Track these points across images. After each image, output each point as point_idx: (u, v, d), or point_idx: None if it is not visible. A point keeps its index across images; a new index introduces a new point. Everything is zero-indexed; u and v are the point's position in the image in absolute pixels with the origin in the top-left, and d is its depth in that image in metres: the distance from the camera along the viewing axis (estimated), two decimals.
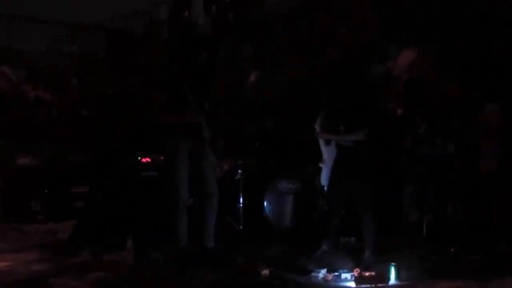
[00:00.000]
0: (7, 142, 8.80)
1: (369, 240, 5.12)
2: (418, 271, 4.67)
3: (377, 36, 7.84)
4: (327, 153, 5.91)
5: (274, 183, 6.47)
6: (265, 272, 4.51)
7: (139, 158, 5.96)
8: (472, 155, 5.86)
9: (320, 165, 6.16)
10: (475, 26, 6.83)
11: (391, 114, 6.75)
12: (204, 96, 4.90)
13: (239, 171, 6.55)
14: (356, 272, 4.46)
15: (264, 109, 7.72)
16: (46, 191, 7.99)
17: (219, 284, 4.33)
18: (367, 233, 5.14)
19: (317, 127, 5.85)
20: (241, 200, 6.46)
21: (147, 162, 5.92)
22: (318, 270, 4.68)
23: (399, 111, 6.60)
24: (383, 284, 4.39)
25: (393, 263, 4.51)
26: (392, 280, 4.45)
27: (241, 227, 6.41)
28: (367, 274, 4.44)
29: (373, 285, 4.37)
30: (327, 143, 5.68)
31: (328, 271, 4.66)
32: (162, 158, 5.84)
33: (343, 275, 4.57)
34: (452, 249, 5.23)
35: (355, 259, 4.93)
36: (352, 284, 4.45)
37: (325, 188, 5.92)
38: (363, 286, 4.39)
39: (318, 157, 6.22)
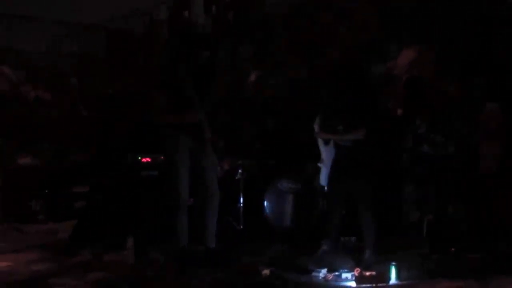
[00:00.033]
0: (7, 142, 8.80)
1: (369, 239, 5.12)
2: (418, 270, 4.67)
3: (377, 36, 7.84)
4: (326, 153, 5.91)
5: (274, 183, 6.47)
6: (266, 271, 4.51)
7: (139, 158, 5.96)
8: (472, 155, 5.86)
9: (319, 165, 6.16)
10: (475, 26, 6.83)
11: (391, 114, 6.75)
12: (204, 96, 4.89)
13: (239, 171, 6.55)
14: (356, 272, 4.46)
15: (264, 109, 7.72)
16: (46, 191, 7.99)
17: (219, 284, 4.33)
18: (367, 232, 5.14)
19: (316, 127, 5.84)
20: (241, 200, 6.46)
21: (147, 162, 5.92)
22: (319, 269, 4.68)
23: (399, 111, 6.60)
24: (384, 284, 4.39)
25: (393, 263, 4.51)
26: (393, 279, 4.45)
27: (241, 227, 6.40)
28: (367, 273, 4.44)
29: (373, 285, 4.37)
30: (326, 143, 5.68)
31: (329, 271, 4.66)
32: (162, 158, 5.85)
33: (344, 275, 4.57)
34: (452, 249, 5.23)
35: (356, 259, 4.92)
36: (353, 283, 4.45)
37: (325, 188, 5.92)
38: (364, 285, 4.39)
39: (318, 157, 6.22)
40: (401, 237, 5.73)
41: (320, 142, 5.98)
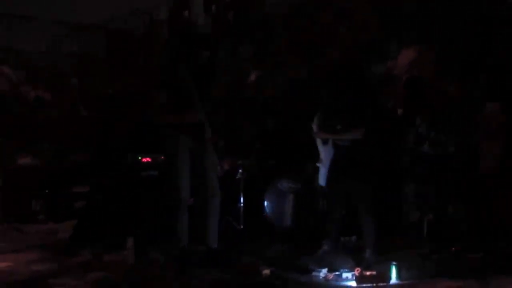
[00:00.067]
0: (7, 142, 8.80)
1: (369, 239, 5.12)
2: (418, 270, 4.66)
3: (377, 36, 7.84)
4: (325, 153, 5.90)
5: (274, 182, 6.47)
6: (266, 271, 4.51)
7: (140, 158, 5.96)
8: (472, 155, 5.86)
9: (318, 165, 6.15)
10: (475, 26, 6.83)
11: (391, 113, 6.75)
12: (204, 96, 4.89)
13: (240, 170, 6.56)
14: (357, 272, 4.46)
15: (264, 109, 7.72)
16: (46, 191, 7.99)
17: (219, 284, 4.33)
18: (367, 232, 5.14)
19: (314, 127, 5.84)
20: (241, 199, 6.47)
21: (147, 162, 5.92)
22: (319, 269, 4.67)
23: (399, 111, 6.60)
24: (384, 284, 4.39)
25: (394, 263, 4.50)
26: (393, 279, 4.44)
27: (241, 227, 6.41)
28: (368, 273, 4.44)
29: (374, 285, 4.37)
30: (325, 142, 5.67)
31: (329, 271, 4.65)
32: (162, 158, 5.85)
33: (344, 275, 4.57)
34: (452, 249, 5.23)
35: (356, 259, 4.92)
36: (353, 283, 4.45)
37: (323, 188, 5.91)
38: (364, 285, 4.39)
39: (318, 157, 6.22)
40: (401, 237, 5.73)
41: (319, 142, 5.98)
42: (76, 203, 7.44)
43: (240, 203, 6.46)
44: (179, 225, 4.85)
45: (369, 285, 4.38)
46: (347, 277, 4.55)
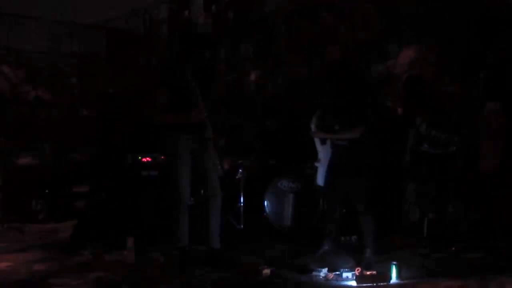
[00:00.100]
0: (8, 142, 8.79)
1: (369, 239, 5.11)
2: (419, 270, 4.67)
3: (377, 35, 7.84)
4: (323, 153, 5.90)
5: (274, 182, 6.47)
6: (266, 271, 4.51)
7: (140, 157, 5.96)
8: (473, 154, 5.86)
9: (316, 164, 6.15)
10: (476, 25, 6.83)
11: (391, 113, 6.75)
12: (206, 96, 4.89)
13: (240, 170, 6.56)
14: (357, 271, 4.46)
15: (265, 109, 7.73)
16: (47, 190, 7.99)
17: (219, 284, 4.33)
18: (366, 231, 5.13)
19: (313, 126, 5.85)
20: (241, 199, 6.47)
21: (147, 161, 5.93)
22: (319, 269, 4.67)
23: (399, 110, 6.60)
24: (384, 283, 4.39)
25: (394, 262, 4.50)
26: (393, 279, 4.44)
27: (241, 227, 6.41)
28: (368, 273, 4.44)
29: (374, 284, 4.37)
30: (323, 142, 5.67)
31: (329, 270, 4.65)
32: (162, 157, 5.85)
33: (345, 274, 4.56)
34: (453, 248, 5.24)
35: (356, 258, 4.92)
36: (354, 283, 4.45)
37: (322, 187, 5.91)
38: (365, 285, 4.39)
39: (317, 156, 6.22)
40: (402, 236, 5.73)
41: (317, 142, 5.98)
42: (76, 203, 7.44)
43: (240, 203, 6.46)
44: (180, 225, 4.84)
45: (369, 284, 4.38)
46: (347, 277, 4.54)
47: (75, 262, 5.13)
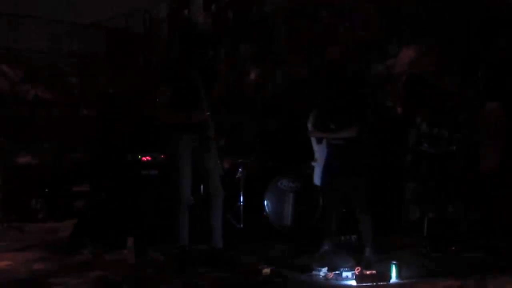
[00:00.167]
0: (7, 141, 8.79)
1: (368, 238, 5.10)
2: (419, 269, 4.67)
3: (377, 35, 7.83)
4: (319, 152, 5.90)
5: (274, 181, 6.47)
6: (266, 270, 4.51)
7: (140, 156, 5.96)
8: (473, 154, 5.86)
9: (313, 164, 6.15)
10: (476, 25, 6.83)
11: (391, 112, 6.75)
12: (208, 95, 4.88)
13: (240, 169, 6.56)
14: (357, 271, 4.46)
15: (265, 108, 7.72)
16: (47, 190, 7.99)
17: (219, 283, 4.33)
18: (364, 231, 5.13)
19: (309, 126, 5.85)
20: (241, 198, 6.47)
21: (147, 160, 5.92)
22: (319, 268, 4.68)
23: (399, 110, 6.60)
24: (384, 283, 4.39)
25: (394, 262, 4.51)
26: (393, 278, 4.45)
27: (241, 226, 6.41)
28: (368, 272, 4.44)
29: (374, 284, 4.37)
30: (319, 142, 5.68)
31: (329, 270, 4.65)
32: (162, 156, 5.85)
33: (344, 274, 4.57)
34: (453, 248, 5.24)
35: (356, 258, 4.92)
36: (353, 282, 4.45)
37: (319, 187, 5.91)
38: (364, 284, 4.39)
39: (314, 156, 6.22)
40: (402, 236, 5.74)
41: (313, 141, 5.98)
42: (76, 202, 7.44)
43: (240, 202, 6.46)
44: (180, 224, 4.84)
45: (369, 284, 4.39)
46: (347, 276, 4.55)
47: (75, 262, 5.13)
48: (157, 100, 4.87)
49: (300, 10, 8.78)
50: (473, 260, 4.96)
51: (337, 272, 4.62)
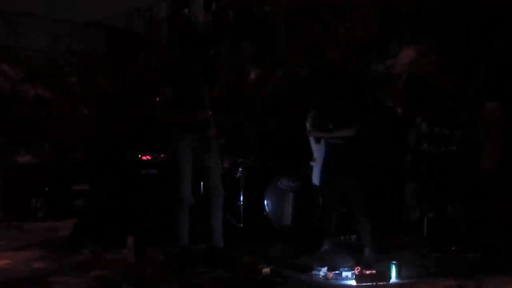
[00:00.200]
0: (7, 140, 8.78)
1: (367, 238, 5.11)
2: (419, 269, 4.68)
3: (377, 35, 7.83)
4: (318, 152, 5.91)
5: (274, 181, 6.47)
6: (266, 270, 4.51)
7: (140, 156, 5.96)
8: (473, 154, 5.86)
9: (311, 163, 6.16)
10: (476, 25, 6.83)
11: (391, 112, 6.75)
12: (210, 94, 4.88)
13: (240, 169, 6.56)
14: (357, 270, 4.46)
15: (265, 108, 7.72)
16: (46, 189, 7.99)
17: (219, 282, 4.33)
18: (364, 230, 5.13)
19: (308, 125, 5.85)
20: (241, 198, 6.47)
21: (147, 160, 5.92)
22: (319, 268, 4.68)
23: (399, 110, 6.60)
24: (384, 282, 4.39)
25: (394, 261, 4.51)
26: (393, 278, 4.45)
27: (241, 225, 6.41)
28: (368, 272, 4.45)
29: (374, 283, 4.38)
30: (317, 141, 5.68)
31: (329, 269, 4.66)
32: (162, 155, 5.85)
33: (344, 273, 4.57)
34: (452, 248, 5.24)
35: (356, 258, 4.93)
36: (353, 282, 4.45)
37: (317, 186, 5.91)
38: (364, 284, 4.39)
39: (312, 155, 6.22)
40: (402, 236, 5.74)
41: (312, 141, 5.98)
42: (76, 201, 7.44)
43: (240, 202, 6.46)
44: (181, 224, 4.84)
45: (369, 284, 4.39)
46: (347, 276, 4.56)
47: (75, 261, 5.12)
48: (158, 99, 4.87)
49: (300, 10, 8.78)
50: (473, 260, 4.97)
51: (337, 271, 4.62)
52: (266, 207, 6.41)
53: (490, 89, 6.40)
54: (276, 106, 7.81)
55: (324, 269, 4.66)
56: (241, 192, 6.48)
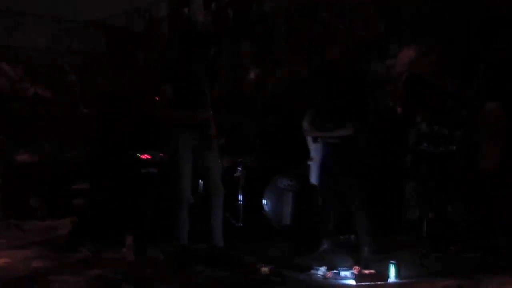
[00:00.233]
0: (7, 139, 8.78)
1: (365, 237, 5.10)
2: (418, 269, 4.67)
3: (377, 35, 7.83)
4: (315, 151, 5.91)
5: (274, 180, 6.47)
6: (265, 269, 4.51)
7: (139, 155, 5.96)
8: (473, 154, 5.86)
9: (309, 163, 6.15)
10: (476, 25, 6.83)
11: (391, 112, 6.74)
12: (209, 94, 4.88)
13: (239, 168, 6.56)
14: (356, 270, 4.46)
15: (265, 108, 7.72)
16: (46, 188, 7.99)
17: (219, 282, 4.33)
18: (361, 230, 5.13)
19: (305, 125, 5.85)
20: (240, 197, 6.46)
21: (147, 159, 5.92)
22: (318, 267, 4.68)
23: (399, 110, 6.60)
24: (383, 282, 4.39)
25: (393, 261, 4.51)
26: (392, 278, 4.45)
27: (240, 225, 6.41)
28: (367, 272, 4.45)
29: (373, 283, 4.37)
30: (315, 140, 5.68)
31: (328, 269, 4.66)
32: (161, 155, 5.85)
33: (343, 273, 4.57)
34: (452, 248, 5.24)
35: (355, 257, 4.93)
36: (352, 281, 4.45)
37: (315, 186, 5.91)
38: (363, 283, 4.39)
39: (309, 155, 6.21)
40: (401, 235, 5.74)
41: (309, 140, 5.98)
42: (75, 200, 7.43)
43: (239, 201, 6.46)
44: (180, 223, 4.84)
45: (368, 283, 4.39)
46: (346, 276, 4.55)
47: (74, 260, 5.12)
48: (158, 99, 4.87)
49: (300, 10, 8.78)
50: (473, 260, 4.96)
51: (336, 271, 4.62)
52: (266, 207, 6.41)
53: (490, 89, 6.40)
54: (276, 106, 7.81)
55: (323, 269, 4.66)
56: (241, 192, 6.47)
